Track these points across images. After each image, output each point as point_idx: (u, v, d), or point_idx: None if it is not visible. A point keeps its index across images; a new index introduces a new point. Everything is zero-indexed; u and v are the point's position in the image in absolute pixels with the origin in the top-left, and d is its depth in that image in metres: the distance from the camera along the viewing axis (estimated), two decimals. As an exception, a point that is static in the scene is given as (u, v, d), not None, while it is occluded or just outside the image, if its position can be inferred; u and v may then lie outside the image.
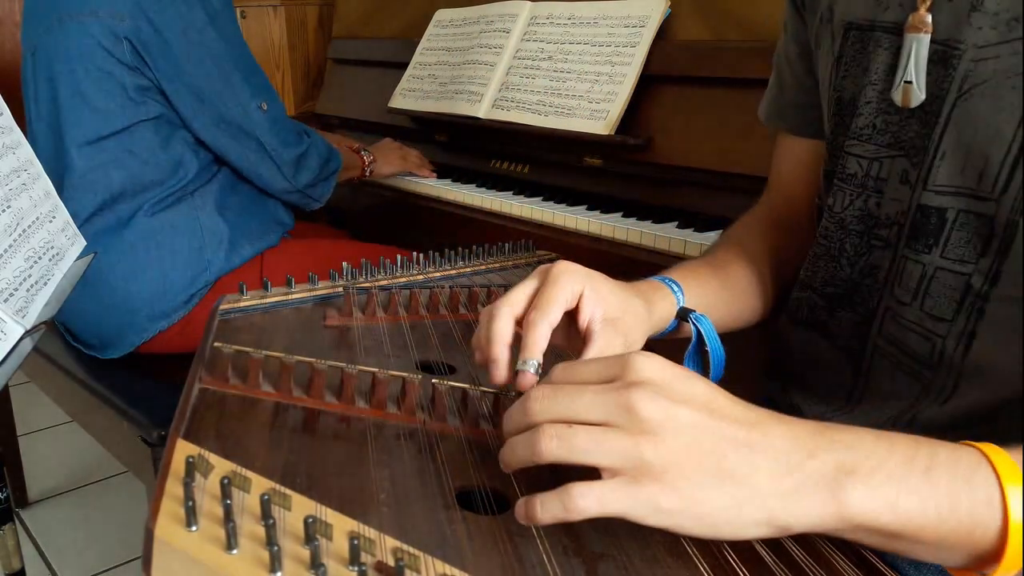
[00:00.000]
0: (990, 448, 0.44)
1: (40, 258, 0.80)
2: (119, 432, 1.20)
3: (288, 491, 0.46)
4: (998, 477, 0.42)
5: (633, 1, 1.39)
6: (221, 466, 0.48)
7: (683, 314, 0.67)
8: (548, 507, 0.43)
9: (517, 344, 0.57)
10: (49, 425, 2.24)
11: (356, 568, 0.39)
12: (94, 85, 1.23)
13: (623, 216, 1.28)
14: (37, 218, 0.83)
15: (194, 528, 0.42)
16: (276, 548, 0.40)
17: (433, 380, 0.59)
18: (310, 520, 0.41)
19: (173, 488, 0.45)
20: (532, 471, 0.47)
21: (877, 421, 0.65)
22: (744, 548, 0.47)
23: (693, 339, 0.68)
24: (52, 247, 0.84)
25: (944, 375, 0.61)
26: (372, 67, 1.96)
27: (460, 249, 0.93)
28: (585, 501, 0.42)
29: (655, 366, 0.45)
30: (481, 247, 0.96)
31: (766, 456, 0.43)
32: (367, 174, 1.61)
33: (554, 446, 0.44)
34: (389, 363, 0.69)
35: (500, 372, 0.55)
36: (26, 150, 0.86)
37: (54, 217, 0.87)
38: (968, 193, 0.57)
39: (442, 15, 1.77)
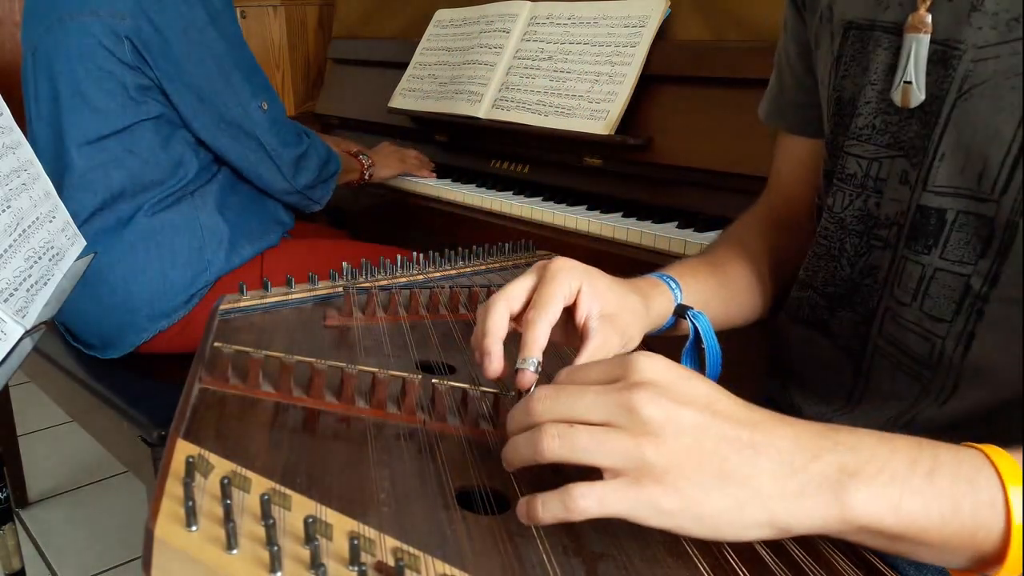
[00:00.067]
0: (992, 450, 0.44)
1: (40, 258, 0.80)
2: (119, 432, 1.20)
3: (288, 491, 0.46)
4: (1001, 479, 0.42)
5: (633, 1, 1.39)
6: (221, 466, 0.48)
7: (681, 311, 0.67)
8: (549, 507, 0.43)
9: (513, 340, 0.57)
10: (49, 425, 2.24)
11: (356, 568, 0.39)
12: (94, 84, 1.23)
13: (623, 216, 1.28)
14: (37, 218, 0.83)
15: (194, 528, 0.42)
16: (276, 548, 0.40)
17: (433, 380, 0.59)
18: (310, 520, 0.41)
19: (173, 488, 0.45)
20: (533, 471, 0.48)
21: (877, 421, 0.65)
22: (744, 548, 0.47)
23: (690, 336, 0.68)
24: (52, 247, 0.84)
25: (943, 376, 0.61)
26: (372, 67, 1.96)
27: (460, 249, 0.93)
28: (586, 501, 0.42)
29: (658, 367, 0.45)
30: (481, 247, 0.96)
31: (769, 457, 0.43)
32: (366, 178, 1.61)
33: (556, 445, 0.44)
34: (389, 363, 0.69)
35: (493, 366, 0.55)
36: (26, 150, 0.86)
37: (54, 217, 0.87)
38: (968, 194, 0.57)
39: (442, 15, 1.78)
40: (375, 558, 0.42)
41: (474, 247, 0.95)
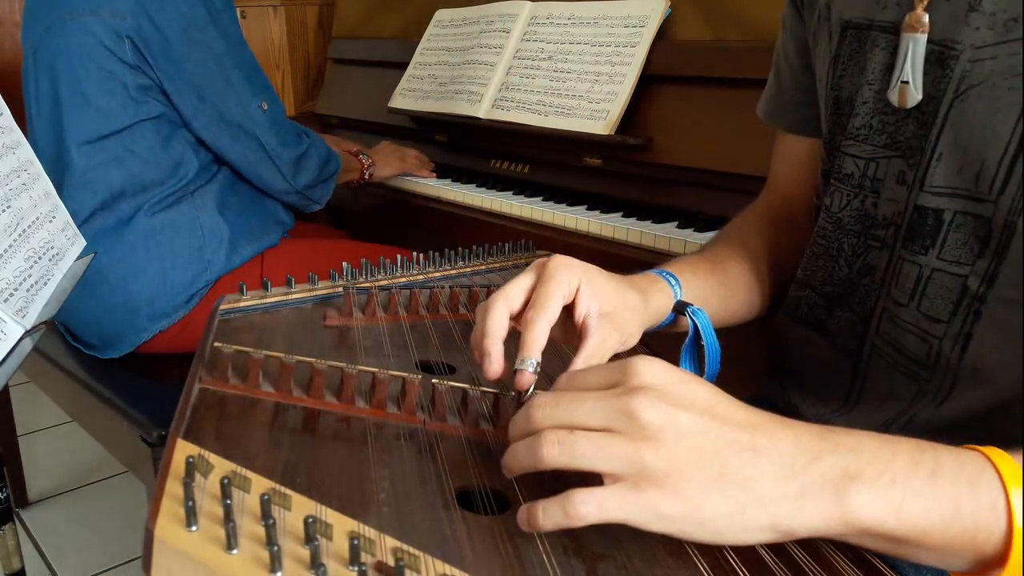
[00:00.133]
0: (993, 452, 0.44)
1: (40, 258, 0.80)
2: (119, 432, 1.20)
3: (288, 491, 0.46)
4: (1002, 481, 0.42)
5: (633, 1, 1.39)
6: (221, 466, 0.48)
7: (680, 308, 0.67)
8: (549, 514, 0.43)
9: (513, 339, 0.57)
10: (49, 425, 2.24)
11: (356, 568, 0.40)
12: (95, 84, 1.23)
13: (623, 216, 1.29)
14: (37, 218, 0.83)
15: (194, 528, 0.42)
16: (276, 548, 0.40)
17: (433, 380, 0.59)
18: (310, 520, 0.41)
19: (173, 488, 0.45)
20: (533, 473, 0.48)
21: (875, 423, 0.65)
22: (744, 549, 0.47)
23: (689, 333, 0.68)
24: (52, 247, 0.84)
25: (940, 376, 0.61)
26: (372, 67, 1.96)
27: (460, 249, 0.93)
28: (586, 507, 0.42)
29: (657, 371, 0.45)
30: (481, 247, 0.96)
31: (770, 460, 0.43)
32: (366, 177, 1.61)
33: (556, 452, 0.44)
34: (389, 363, 0.69)
35: (493, 367, 0.55)
36: (26, 150, 0.86)
37: (54, 217, 0.87)
38: (965, 194, 0.57)
39: (442, 15, 1.78)
40: (375, 558, 0.42)
41: (474, 247, 0.95)
